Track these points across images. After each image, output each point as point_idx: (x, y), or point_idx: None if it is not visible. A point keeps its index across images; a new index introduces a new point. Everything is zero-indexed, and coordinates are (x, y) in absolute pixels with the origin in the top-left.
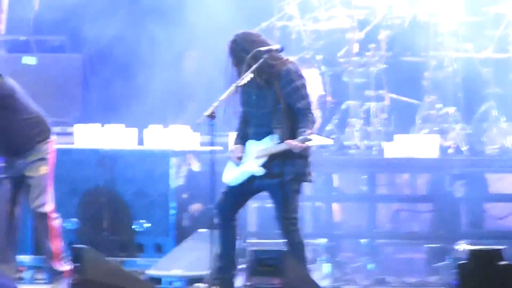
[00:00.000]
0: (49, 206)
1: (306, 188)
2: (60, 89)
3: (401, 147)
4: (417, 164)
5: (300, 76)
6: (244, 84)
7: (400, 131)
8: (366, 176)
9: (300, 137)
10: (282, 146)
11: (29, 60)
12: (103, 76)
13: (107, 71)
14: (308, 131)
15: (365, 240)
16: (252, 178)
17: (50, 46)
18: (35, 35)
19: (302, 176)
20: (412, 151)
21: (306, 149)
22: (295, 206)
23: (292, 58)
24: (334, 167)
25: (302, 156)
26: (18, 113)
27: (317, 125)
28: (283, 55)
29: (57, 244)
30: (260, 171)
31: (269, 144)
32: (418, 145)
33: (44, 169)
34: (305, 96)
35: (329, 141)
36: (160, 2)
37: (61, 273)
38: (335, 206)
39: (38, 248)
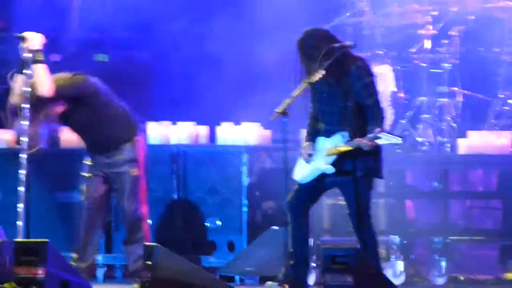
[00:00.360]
0: (142, 209)
1: (379, 185)
2: (132, 87)
3: (474, 143)
4: (490, 160)
5: (370, 73)
6: (316, 81)
7: (473, 127)
8: (438, 173)
9: (370, 135)
10: (352, 144)
11: (101, 57)
12: (174, 72)
13: (178, 67)
14: (378, 129)
15: (438, 237)
16: (323, 176)
17: (121, 43)
18: (107, 33)
19: (373, 172)
20: (485, 148)
21: (377, 145)
22: (367, 203)
23: (364, 55)
24: (407, 164)
25: (373, 152)
26: (102, 110)
27: (389, 121)
28: (354, 52)
29: None
30: (330, 169)
31: (339, 142)
32: (491, 141)
33: (135, 171)
34: (375, 93)
35: (398, 140)
36: None
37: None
38: (408, 203)
39: (110, 246)
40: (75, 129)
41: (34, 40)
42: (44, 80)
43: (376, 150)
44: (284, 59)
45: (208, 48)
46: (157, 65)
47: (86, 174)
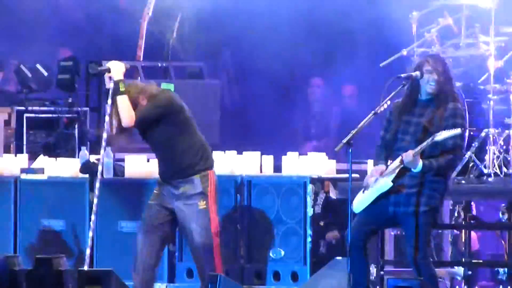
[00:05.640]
0: (215, 241)
1: (445, 216)
2: (197, 116)
3: None
4: None
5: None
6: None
7: None
8: (504, 204)
9: (416, 149)
10: (399, 160)
11: (167, 86)
12: (240, 102)
13: (244, 97)
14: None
15: (503, 269)
16: (385, 207)
17: (188, 72)
18: (173, 61)
19: (436, 212)
20: None
21: (444, 186)
22: (426, 239)
23: None
24: (473, 195)
25: (439, 191)
26: (182, 131)
27: (459, 163)
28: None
29: None
30: (388, 184)
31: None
32: None
33: (203, 204)
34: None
35: (456, 131)
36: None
37: None
38: (474, 234)
39: (173, 276)
40: (153, 146)
41: (116, 69)
42: (126, 111)
43: (443, 194)
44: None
45: (275, 78)
46: (224, 94)
47: (150, 202)
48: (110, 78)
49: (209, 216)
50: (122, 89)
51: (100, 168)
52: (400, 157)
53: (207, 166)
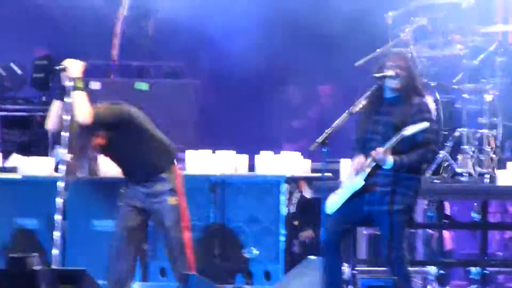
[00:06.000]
0: (185, 237)
1: (418, 215)
2: (172, 115)
3: None
4: None
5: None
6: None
7: None
8: (477, 204)
9: (393, 139)
10: (371, 159)
11: (141, 85)
12: (215, 101)
13: (219, 96)
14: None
15: (476, 268)
16: (360, 206)
17: (165, 71)
18: (151, 61)
19: (410, 209)
20: None
21: (418, 182)
22: (401, 237)
23: None
24: (447, 194)
25: (413, 188)
26: (140, 139)
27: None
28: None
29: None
30: (360, 183)
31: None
32: None
33: (173, 200)
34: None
35: (424, 125)
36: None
37: None
38: (447, 234)
39: (146, 275)
40: (114, 158)
41: (74, 67)
42: (82, 107)
43: (416, 187)
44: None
45: (249, 78)
46: (199, 94)
47: (121, 204)
48: (67, 76)
49: (180, 211)
50: (79, 85)
51: (63, 167)
52: (370, 156)
53: (171, 163)
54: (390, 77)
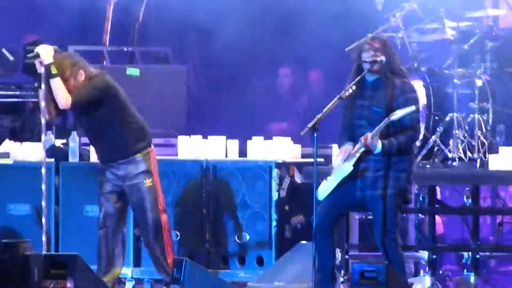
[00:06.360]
0: (163, 217)
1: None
2: (163, 101)
3: (505, 159)
4: None
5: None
6: (347, 96)
7: (504, 143)
8: (469, 189)
9: (380, 124)
10: (360, 144)
11: (133, 71)
12: (205, 86)
13: (209, 81)
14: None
15: (468, 253)
16: (353, 190)
17: (154, 57)
18: (140, 46)
19: (404, 192)
20: None
21: (409, 164)
22: (395, 221)
23: None
24: (438, 179)
25: (405, 171)
26: (118, 115)
27: (420, 137)
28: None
29: (171, 257)
30: (349, 168)
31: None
32: None
33: (149, 182)
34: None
35: (411, 108)
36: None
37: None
38: (438, 219)
39: (139, 260)
40: (89, 132)
41: (45, 53)
42: (60, 93)
43: (409, 170)
44: (317, 75)
45: (240, 62)
46: (190, 79)
47: (99, 192)
48: (41, 63)
49: (157, 193)
50: (54, 72)
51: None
52: (359, 142)
53: (146, 144)
54: (369, 61)
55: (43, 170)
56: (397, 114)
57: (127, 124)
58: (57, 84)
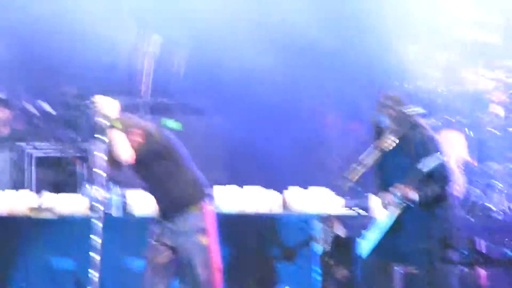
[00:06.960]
0: (215, 278)
1: (452, 253)
2: (200, 151)
3: None
4: None
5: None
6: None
7: None
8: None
9: (405, 182)
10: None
11: (173, 124)
12: (237, 136)
13: (242, 131)
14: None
15: None
16: (394, 245)
17: (191, 108)
18: (177, 99)
19: (445, 243)
20: None
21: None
22: (437, 273)
23: (436, 121)
24: (479, 231)
25: (442, 221)
26: (174, 167)
27: (462, 189)
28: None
29: None
30: (390, 220)
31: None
32: None
33: (204, 240)
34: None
35: (438, 158)
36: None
37: None
38: (481, 271)
39: None
40: (147, 182)
41: (109, 106)
42: (123, 148)
43: (445, 222)
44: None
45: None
46: (226, 130)
47: (152, 241)
48: (102, 114)
49: (211, 252)
50: (117, 125)
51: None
52: (393, 192)
53: (199, 198)
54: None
55: (98, 222)
56: (426, 165)
57: (181, 177)
58: (121, 139)
